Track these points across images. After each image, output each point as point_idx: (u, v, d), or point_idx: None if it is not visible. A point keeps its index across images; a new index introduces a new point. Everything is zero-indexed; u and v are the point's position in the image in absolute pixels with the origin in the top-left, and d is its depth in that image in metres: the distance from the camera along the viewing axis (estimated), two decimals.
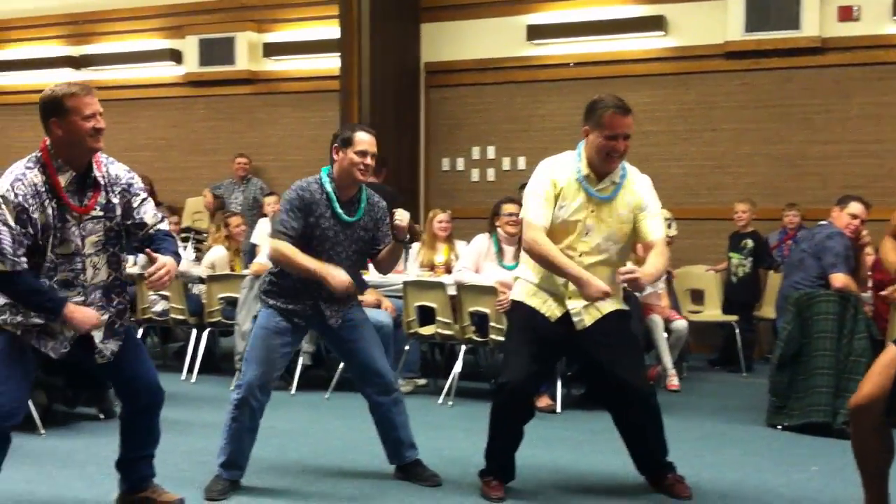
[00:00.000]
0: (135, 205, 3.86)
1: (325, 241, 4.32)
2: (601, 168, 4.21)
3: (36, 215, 3.57)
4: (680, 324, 7.24)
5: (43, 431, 5.41)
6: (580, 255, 4.21)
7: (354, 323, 4.52)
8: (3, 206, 3.53)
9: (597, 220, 4.21)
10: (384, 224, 4.51)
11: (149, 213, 3.90)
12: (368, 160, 4.33)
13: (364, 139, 4.34)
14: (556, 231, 4.22)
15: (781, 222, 8.41)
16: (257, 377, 4.34)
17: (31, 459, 4.88)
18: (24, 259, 3.55)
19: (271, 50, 10.81)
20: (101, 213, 3.74)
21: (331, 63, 9.83)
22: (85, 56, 11.70)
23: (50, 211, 3.61)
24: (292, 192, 4.36)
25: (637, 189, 4.28)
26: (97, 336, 3.79)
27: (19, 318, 3.67)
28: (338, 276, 4.21)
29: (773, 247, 8.28)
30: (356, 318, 4.54)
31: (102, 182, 3.76)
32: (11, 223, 3.53)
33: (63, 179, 3.64)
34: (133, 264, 7.89)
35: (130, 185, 3.86)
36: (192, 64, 11.06)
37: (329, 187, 4.36)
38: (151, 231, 3.91)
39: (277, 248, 4.27)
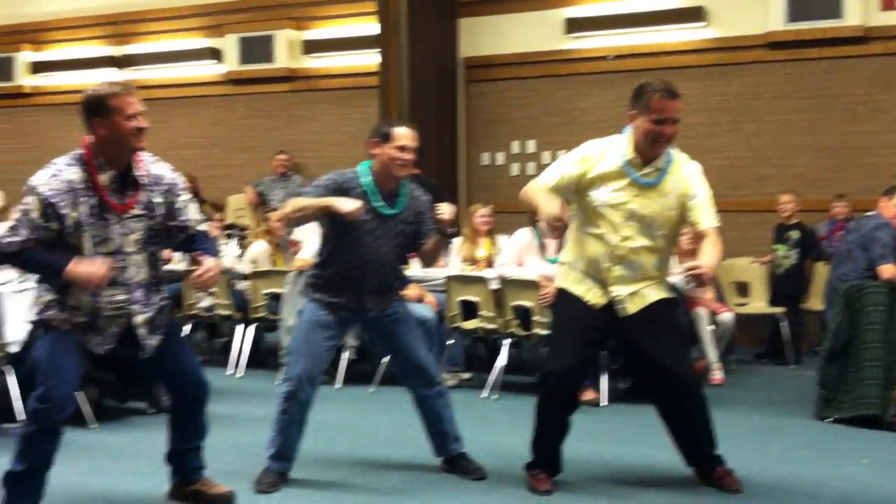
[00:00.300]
0: (179, 206, 3.90)
1: (363, 234, 4.34)
2: (647, 153, 4.17)
3: (65, 211, 3.61)
4: (726, 316, 7.19)
5: (94, 425, 5.48)
6: (623, 240, 4.17)
7: (398, 317, 4.54)
8: (32, 198, 3.60)
9: (640, 206, 4.17)
10: (427, 218, 4.51)
11: (192, 215, 3.95)
12: (408, 154, 4.35)
13: (403, 133, 4.37)
14: (599, 214, 4.20)
15: (829, 213, 8.32)
16: (304, 370, 4.37)
17: (83, 453, 4.94)
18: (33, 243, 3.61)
19: (310, 47, 10.85)
20: (142, 212, 3.78)
21: (369, 59, 9.85)
22: (126, 56, 11.81)
23: (85, 208, 3.64)
24: (327, 175, 4.42)
25: (685, 175, 4.23)
26: (142, 331, 3.83)
27: (65, 315, 3.73)
28: (345, 202, 4.19)
29: (822, 238, 8.19)
30: (399, 311, 4.55)
31: (144, 181, 3.79)
32: (34, 215, 3.59)
33: (104, 178, 3.69)
34: (178, 261, 7.96)
35: (174, 185, 3.90)
36: (232, 62, 11.13)
37: (366, 180, 4.38)
38: (192, 232, 3.96)
39: (290, 203, 4.36)
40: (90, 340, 3.78)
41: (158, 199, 3.83)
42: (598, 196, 4.19)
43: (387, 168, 4.36)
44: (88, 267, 3.61)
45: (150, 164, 3.85)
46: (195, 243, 3.97)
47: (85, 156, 3.69)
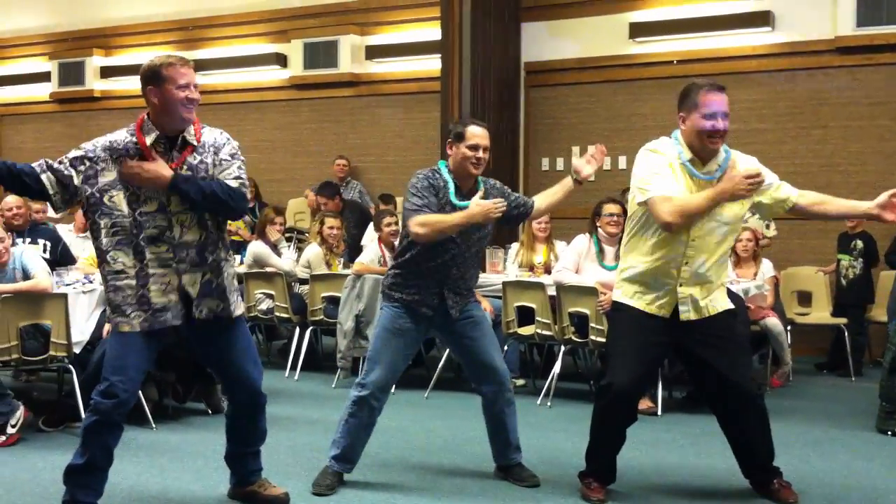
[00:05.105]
0: (218, 171, 3.86)
1: None
2: (703, 151, 4.10)
3: (100, 166, 3.73)
4: (771, 321, 7.00)
5: (154, 426, 5.58)
6: (693, 240, 4.09)
7: (474, 320, 4.53)
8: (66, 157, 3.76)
9: None
10: (509, 195, 4.55)
11: (228, 172, 3.87)
12: (480, 153, 4.37)
13: (476, 133, 4.39)
14: None
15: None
16: (379, 378, 4.41)
17: (143, 452, 5.04)
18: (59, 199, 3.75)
19: (373, 52, 10.95)
20: (189, 173, 3.78)
21: (432, 64, 9.90)
22: (195, 61, 11.97)
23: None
24: (418, 177, 4.41)
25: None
26: (191, 290, 3.83)
27: (130, 311, 3.75)
28: (476, 207, 4.23)
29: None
30: (475, 315, 4.55)
31: (196, 144, 3.83)
32: (56, 165, 3.73)
33: (149, 139, 3.77)
34: (239, 263, 8.08)
35: (221, 144, 3.88)
36: (296, 67, 11.28)
37: (448, 176, 4.42)
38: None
39: (420, 222, 4.26)
40: (165, 320, 3.79)
41: (209, 161, 3.85)
42: None
43: (461, 167, 4.40)
44: (148, 166, 3.71)
45: (204, 130, 3.91)
46: None
47: (136, 124, 3.81)
